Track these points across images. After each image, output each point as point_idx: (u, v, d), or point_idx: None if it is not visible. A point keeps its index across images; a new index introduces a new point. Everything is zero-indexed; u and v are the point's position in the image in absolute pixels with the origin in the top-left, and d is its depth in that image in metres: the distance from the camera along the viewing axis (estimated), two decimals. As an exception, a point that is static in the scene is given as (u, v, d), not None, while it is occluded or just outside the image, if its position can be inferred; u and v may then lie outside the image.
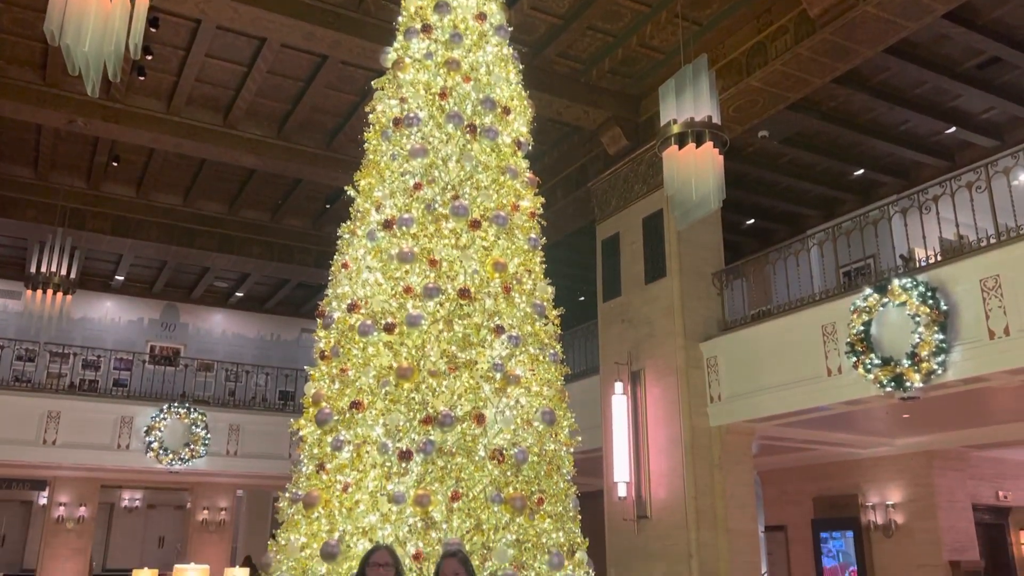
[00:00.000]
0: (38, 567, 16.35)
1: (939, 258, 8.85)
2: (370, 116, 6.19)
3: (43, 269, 13.84)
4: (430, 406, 5.09)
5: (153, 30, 10.24)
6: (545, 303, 5.82)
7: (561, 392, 5.72)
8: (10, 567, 20.83)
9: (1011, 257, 7.94)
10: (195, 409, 15.81)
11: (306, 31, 10.21)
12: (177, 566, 13.89)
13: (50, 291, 13.87)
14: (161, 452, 15.23)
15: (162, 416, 15.43)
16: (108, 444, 15.19)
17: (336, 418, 5.24)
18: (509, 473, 5.11)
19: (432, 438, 5.02)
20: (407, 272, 5.44)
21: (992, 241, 8.26)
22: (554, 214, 11.09)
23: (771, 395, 10.06)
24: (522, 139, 6.21)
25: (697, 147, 7.98)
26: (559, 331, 5.92)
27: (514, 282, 5.62)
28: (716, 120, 8.13)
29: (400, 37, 6.30)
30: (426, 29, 6.12)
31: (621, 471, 11.14)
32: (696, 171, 7.96)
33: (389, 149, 5.89)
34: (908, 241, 10.29)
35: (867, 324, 8.80)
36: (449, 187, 5.71)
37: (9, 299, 18.58)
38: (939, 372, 8.15)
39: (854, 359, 8.84)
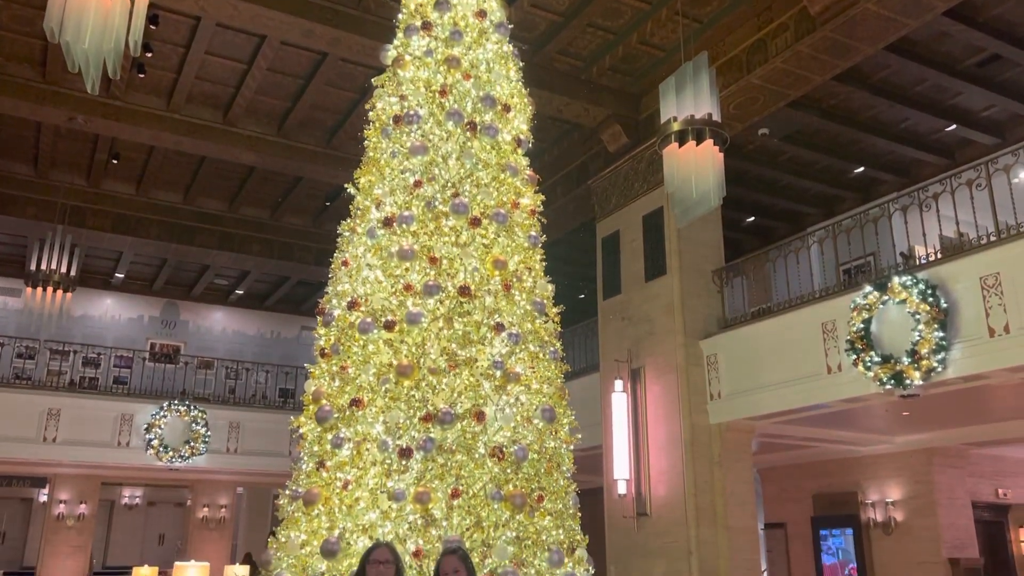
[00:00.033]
0: (38, 564, 16.37)
1: (939, 256, 8.85)
2: (370, 114, 6.19)
3: (43, 267, 13.84)
4: (430, 403, 5.10)
5: (153, 27, 10.24)
6: (545, 301, 5.82)
7: (561, 389, 5.72)
8: (10, 564, 20.84)
9: (1011, 255, 7.94)
10: (195, 407, 15.82)
11: (306, 28, 10.21)
12: (177, 563, 13.91)
13: (50, 289, 13.87)
14: (161, 449, 15.23)
15: (162, 413, 15.44)
16: (108, 441, 15.20)
17: (336, 415, 5.25)
18: (509, 470, 5.12)
19: (432, 435, 5.02)
20: (407, 270, 5.44)
21: (992, 239, 8.26)
22: (554, 212, 11.08)
23: (771, 393, 10.07)
24: (522, 136, 6.21)
25: (697, 145, 7.98)
26: (559, 329, 5.92)
27: (514, 280, 5.63)
28: (716, 118, 8.13)
29: (400, 34, 6.30)
30: (426, 26, 6.12)
31: (621, 468, 11.14)
32: (696, 169, 7.96)
33: (389, 147, 5.89)
34: (908, 239, 10.30)
35: (867, 322, 8.80)
36: (449, 184, 5.71)
37: (9, 297, 18.58)
38: (939, 370, 8.15)
39: (854, 357, 8.84)
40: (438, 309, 5.34)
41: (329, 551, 4.84)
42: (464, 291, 5.37)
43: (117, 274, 19.31)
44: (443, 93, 5.91)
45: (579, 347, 13.55)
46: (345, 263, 5.76)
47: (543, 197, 6.22)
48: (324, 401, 5.35)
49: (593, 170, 12.89)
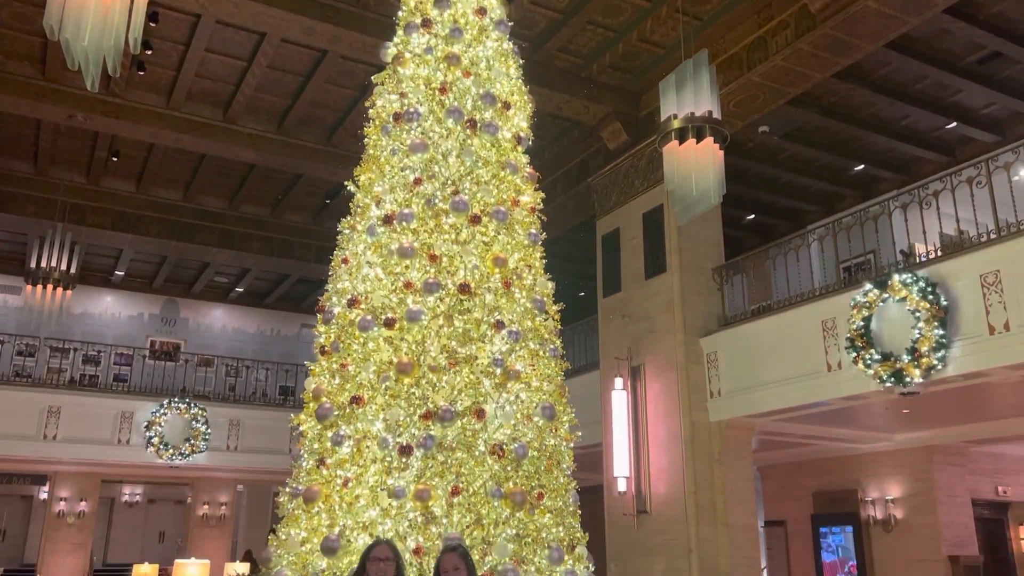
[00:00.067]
0: (39, 562, 16.39)
1: (939, 253, 8.85)
2: (370, 111, 6.19)
3: (43, 264, 13.84)
4: (430, 401, 5.10)
5: (153, 25, 10.23)
6: (545, 298, 5.82)
7: (561, 387, 5.73)
8: (11, 562, 20.87)
9: (1011, 252, 7.94)
10: (195, 404, 15.82)
11: (306, 26, 10.20)
12: (178, 561, 13.97)
13: (50, 286, 13.87)
14: (161, 447, 15.24)
15: (162, 411, 15.44)
16: (108, 439, 15.20)
17: (336, 413, 5.25)
18: (509, 468, 5.12)
19: (432, 433, 5.02)
20: (407, 267, 5.44)
21: (992, 236, 8.26)
22: (554, 209, 11.07)
23: (771, 390, 10.07)
24: (522, 134, 6.21)
25: (697, 142, 7.98)
26: (559, 326, 5.93)
27: (514, 277, 5.63)
28: (716, 115, 8.12)
29: (400, 32, 6.30)
30: (426, 24, 6.12)
31: (621, 466, 11.15)
32: (696, 166, 7.96)
33: (389, 144, 5.89)
34: (908, 236, 10.29)
35: (867, 319, 8.80)
36: (449, 182, 5.71)
37: (9, 294, 18.58)
38: (939, 367, 8.15)
39: (854, 354, 8.84)
40: (438, 307, 5.34)
41: (329, 548, 4.84)
42: (464, 289, 5.37)
43: (117, 272, 19.31)
44: (443, 90, 5.92)
45: (579, 345, 13.55)
46: (345, 261, 5.76)
47: (543, 195, 6.23)
48: (324, 399, 5.35)
49: (593, 167, 12.88)
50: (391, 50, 6.25)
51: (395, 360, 5.19)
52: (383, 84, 6.20)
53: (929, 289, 8.29)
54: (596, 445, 11.40)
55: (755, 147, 13.15)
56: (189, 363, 18.27)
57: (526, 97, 6.36)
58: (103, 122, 12.52)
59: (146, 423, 15.37)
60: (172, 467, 15.64)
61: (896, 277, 8.63)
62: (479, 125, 5.89)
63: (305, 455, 5.40)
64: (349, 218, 5.96)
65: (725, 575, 10.08)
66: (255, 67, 11.82)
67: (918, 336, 8.25)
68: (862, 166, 13.81)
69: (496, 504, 5.01)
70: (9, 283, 18.42)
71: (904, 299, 8.47)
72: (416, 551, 4.76)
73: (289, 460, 5.83)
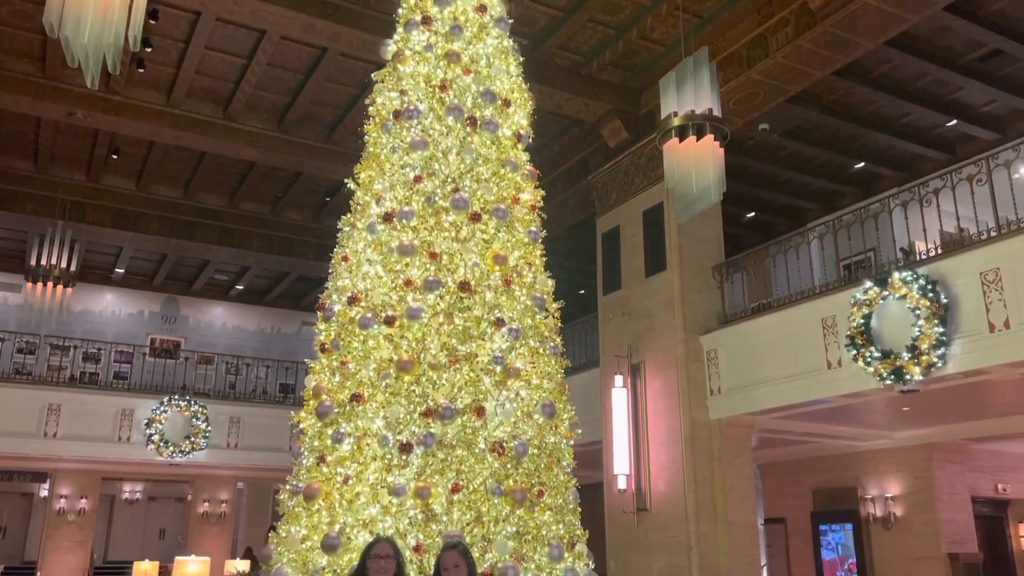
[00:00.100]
0: (39, 559, 16.40)
1: (939, 251, 8.85)
2: (370, 109, 6.20)
3: (43, 262, 13.83)
4: (430, 399, 5.10)
5: (152, 22, 10.22)
6: (545, 296, 5.82)
7: (561, 385, 5.74)
8: (11, 559, 20.90)
9: (1011, 250, 7.94)
10: (195, 402, 15.82)
11: (306, 23, 10.19)
12: (178, 558, 13.98)
13: (50, 284, 13.87)
14: (162, 444, 15.25)
15: (163, 409, 15.45)
16: (109, 436, 15.20)
17: (336, 411, 5.26)
18: (509, 465, 5.13)
19: (432, 431, 5.03)
20: (407, 265, 5.44)
21: (993, 234, 8.26)
22: (554, 207, 11.08)
23: (771, 388, 10.07)
24: (522, 132, 6.21)
25: (698, 140, 7.97)
26: (559, 324, 5.93)
27: (514, 275, 5.63)
28: (717, 113, 8.12)
29: (400, 29, 6.30)
30: (426, 21, 6.11)
31: (621, 464, 11.15)
32: (696, 164, 7.96)
33: (389, 142, 5.89)
34: (908, 234, 10.27)
35: (867, 317, 8.80)
36: (449, 180, 5.71)
37: (9, 292, 18.59)
38: (939, 365, 8.15)
39: (854, 352, 8.85)
40: (438, 304, 5.34)
41: (329, 546, 4.85)
42: (464, 286, 5.38)
43: (117, 269, 19.31)
44: (443, 88, 5.91)
45: (579, 342, 13.55)
46: (345, 258, 5.77)
47: (543, 192, 6.23)
48: (324, 396, 5.36)
49: (593, 165, 12.88)
50: (391, 47, 6.25)
51: (395, 358, 5.20)
52: (383, 82, 6.20)
53: (929, 287, 8.29)
54: (596, 443, 11.41)
55: (755, 145, 13.15)
56: (189, 361, 18.27)
57: (526, 95, 6.36)
58: (103, 120, 12.52)
59: (146, 420, 15.37)
60: (172, 464, 15.65)
61: (896, 275, 8.63)
62: (479, 123, 5.89)
63: (305, 453, 5.41)
64: (349, 216, 5.96)
65: (725, 573, 10.09)
66: (255, 64, 11.81)
67: (918, 334, 8.25)
68: (862, 164, 13.80)
69: (496, 501, 5.01)
70: (9, 281, 18.42)
71: (904, 297, 8.47)
72: (416, 548, 4.77)
73: (289, 458, 5.84)
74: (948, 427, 12.30)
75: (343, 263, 5.77)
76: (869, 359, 8.65)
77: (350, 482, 5.02)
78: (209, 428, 15.76)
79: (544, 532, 5.14)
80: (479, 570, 4.58)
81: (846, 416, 11.26)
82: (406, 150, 5.78)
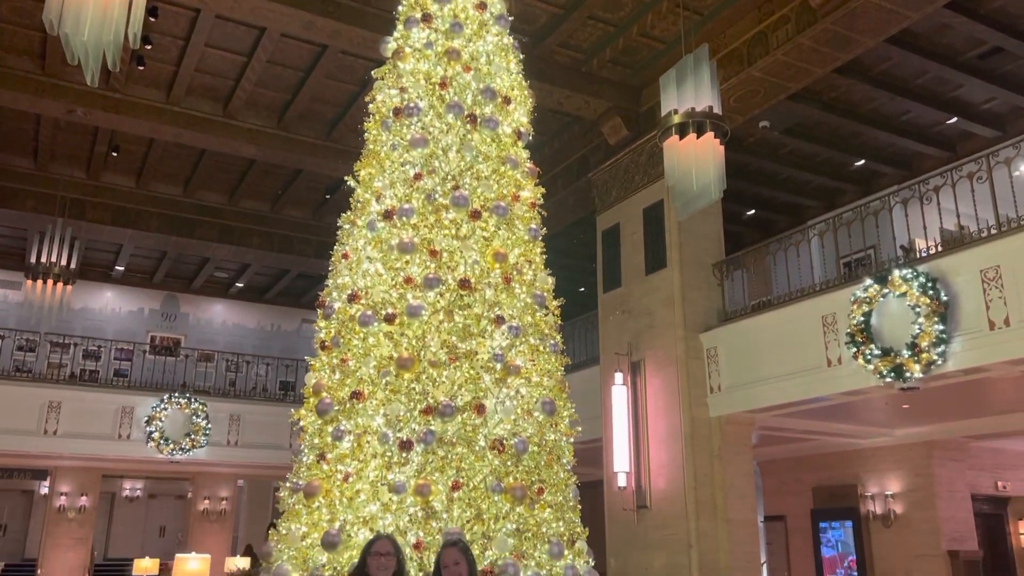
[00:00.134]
0: (40, 557, 16.42)
1: (940, 249, 8.84)
2: (370, 106, 6.19)
3: (43, 259, 13.84)
4: (430, 396, 5.10)
5: (152, 19, 10.21)
6: (545, 293, 5.82)
7: (561, 382, 5.74)
8: (11, 557, 20.92)
9: (1012, 248, 7.93)
10: (196, 399, 15.83)
11: (306, 20, 10.18)
12: (178, 555, 13.97)
13: (50, 281, 13.87)
14: (162, 442, 15.26)
15: (163, 406, 15.46)
16: (109, 434, 15.21)
17: (337, 408, 5.26)
18: (509, 463, 5.13)
19: (433, 428, 5.03)
20: (407, 262, 5.44)
21: (993, 232, 8.25)
22: (554, 204, 11.07)
23: (771, 385, 10.07)
24: (522, 129, 6.20)
25: (698, 137, 7.97)
26: (559, 321, 5.93)
27: (514, 272, 5.63)
28: (717, 110, 8.11)
29: (400, 26, 6.29)
30: (426, 18, 6.11)
31: (621, 461, 11.16)
32: (697, 161, 7.95)
33: (389, 139, 5.89)
34: (909, 232, 10.26)
35: (867, 315, 8.80)
36: (449, 177, 5.71)
37: (9, 289, 18.59)
38: (939, 362, 8.15)
39: (854, 350, 8.85)
40: (438, 302, 5.34)
41: (330, 543, 4.85)
42: (464, 284, 5.38)
43: (117, 267, 19.32)
44: (443, 85, 5.91)
45: (579, 340, 13.55)
46: (345, 256, 5.77)
47: (543, 190, 6.23)
48: (324, 394, 5.36)
49: (593, 163, 12.87)
50: (391, 45, 6.25)
51: (395, 355, 5.20)
52: (383, 79, 6.19)
53: (929, 284, 8.29)
54: (596, 440, 11.41)
55: (755, 142, 13.15)
56: (189, 358, 18.27)
57: (526, 92, 6.35)
58: (103, 117, 12.51)
59: (146, 418, 15.39)
60: (172, 462, 15.66)
61: (896, 272, 8.63)
62: (479, 120, 5.89)
63: (305, 450, 5.41)
64: (349, 213, 5.96)
65: (725, 570, 10.10)
66: (255, 62, 11.81)
67: (918, 331, 8.25)
68: (862, 161, 13.80)
69: (496, 499, 5.01)
70: (9, 278, 18.43)
71: (904, 294, 8.47)
72: (416, 546, 4.77)
73: (289, 455, 5.85)
74: (948, 425, 12.31)
75: (343, 260, 5.77)
76: (869, 357, 8.65)
77: (350, 479, 5.02)
78: (209, 425, 15.77)
79: (544, 529, 5.14)
80: (479, 567, 4.59)
81: (846, 414, 11.26)
82: (406, 147, 5.78)
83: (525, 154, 6.17)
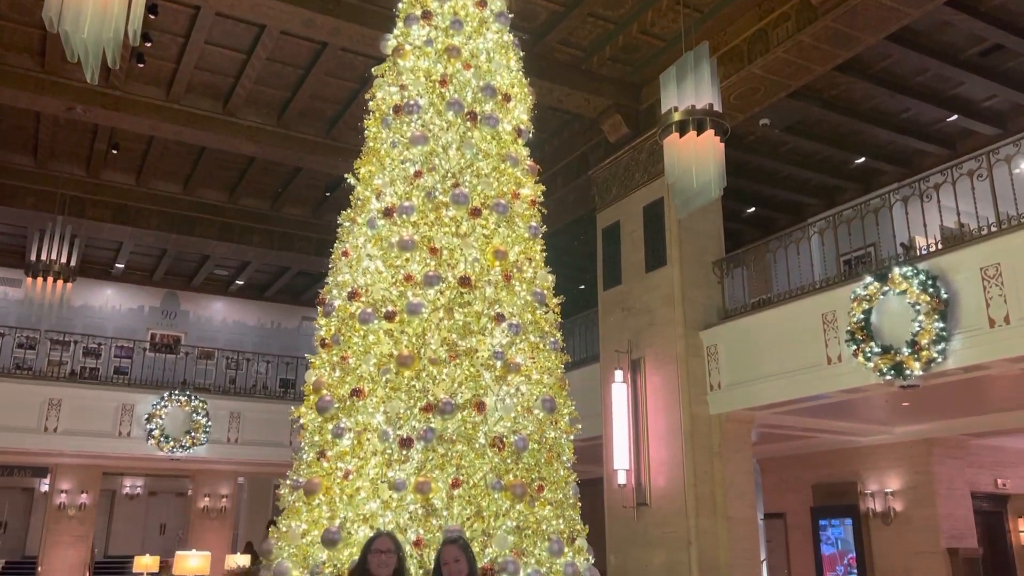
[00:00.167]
0: (40, 554, 16.43)
1: (940, 246, 8.85)
2: (370, 103, 6.19)
3: (43, 257, 13.83)
4: (431, 394, 5.11)
5: (152, 17, 10.19)
6: (545, 291, 5.82)
7: (561, 380, 5.73)
8: (12, 554, 20.93)
9: (1012, 245, 7.93)
10: (196, 397, 15.84)
11: (306, 18, 10.17)
12: (179, 553, 13.97)
13: (50, 279, 13.87)
14: (162, 439, 15.27)
15: (163, 404, 15.47)
16: (109, 431, 15.23)
17: (337, 406, 5.26)
18: (509, 460, 5.13)
19: (433, 426, 5.03)
20: (407, 260, 5.44)
21: (993, 229, 8.25)
22: (555, 202, 11.07)
23: (771, 383, 10.08)
24: (523, 127, 6.20)
25: (698, 135, 7.96)
26: (559, 319, 5.93)
27: (514, 270, 5.63)
28: (717, 108, 8.10)
29: (400, 24, 6.28)
30: (426, 16, 6.10)
31: (621, 459, 11.17)
32: (697, 159, 7.95)
33: (389, 137, 5.89)
34: (909, 229, 10.27)
35: (867, 312, 8.80)
36: (449, 175, 5.71)
37: (10, 287, 18.60)
38: (939, 360, 8.15)
39: (854, 347, 8.85)
40: (438, 299, 5.34)
41: (330, 540, 4.86)
42: (464, 281, 5.37)
43: (117, 264, 19.31)
44: (443, 83, 5.90)
45: (579, 337, 13.56)
46: (345, 253, 5.76)
47: (543, 187, 6.22)
48: (325, 391, 5.36)
49: (593, 160, 12.87)
50: (391, 42, 6.24)
51: (395, 353, 5.20)
52: (383, 76, 6.18)
53: (929, 282, 8.29)
54: (596, 438, 11.42)
55: (756, 140, 13.14)
56: (189, 356, 18.28)
57: (526, 89, 6.34)
58: (103, 114, 12.51)
59: (147, 416, 15.40)
60: (173, 459, 15.68)
61: (896, 270, 8.63)
62: (479, 118, 5.88)
63: (306, 447, 5.41)
64: (349, 211, 5.95)
65: (724, 567, 10.11)
66: (255, 59, 11.80)
67: (918, 329, 8.26)
68: (863, 159, 13.80)
69: (496, 496, 5.02)
70: (9, 276, 18.44)
71: (904, 292, 8.47)
72: (417, 543, 4.78)
73: (290, 452, 5.85)
74: (948, 422, 12.31)
75: (343, 258, 5.76)
76: (869, 354, 8.65)
77: (350, 477, 5.02)
78: (209, 423, 15.78)
79: (544, 527, 5.14)
80: (479, 565, 4.59)
81: (846, 411, 11.27)
82: (406, 145, 5.78)
83: (525, 151, 6.17)
